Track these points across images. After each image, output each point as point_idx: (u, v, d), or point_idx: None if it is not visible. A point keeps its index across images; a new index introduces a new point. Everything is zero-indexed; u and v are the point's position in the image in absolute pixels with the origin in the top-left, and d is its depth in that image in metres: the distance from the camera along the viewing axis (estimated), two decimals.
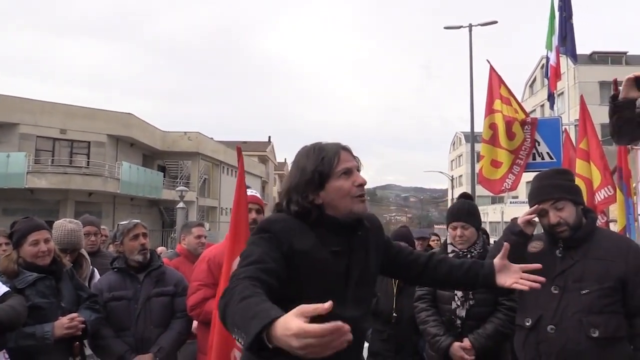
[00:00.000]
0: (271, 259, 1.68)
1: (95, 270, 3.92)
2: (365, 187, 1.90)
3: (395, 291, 3.61)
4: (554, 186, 2.53)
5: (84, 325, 3.01)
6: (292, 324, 1.20)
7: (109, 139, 26.30)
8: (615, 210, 4.98)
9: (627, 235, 4.49)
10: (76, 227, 3.82)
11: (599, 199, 4.97)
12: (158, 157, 32.35)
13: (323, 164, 1.85)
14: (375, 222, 2.05)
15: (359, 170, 1.91)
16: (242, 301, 1.41)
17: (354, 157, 1.93)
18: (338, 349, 1.21)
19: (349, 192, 1.84)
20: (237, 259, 2.80)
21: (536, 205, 2.55)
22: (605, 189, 4.94)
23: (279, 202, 1.93)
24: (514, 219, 2.68)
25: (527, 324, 2.49)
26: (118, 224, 3.59)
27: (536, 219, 2.59)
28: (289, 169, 2.00)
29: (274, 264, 1.67)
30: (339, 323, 1.19)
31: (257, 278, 1.56)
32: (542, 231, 2.66)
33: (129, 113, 27.28)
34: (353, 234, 1.89)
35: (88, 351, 3.31)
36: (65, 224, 3.78)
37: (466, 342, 3.09)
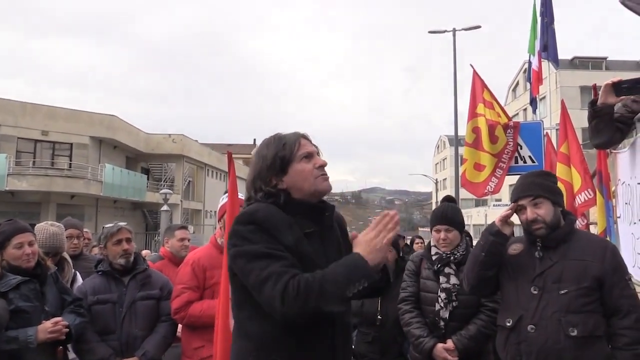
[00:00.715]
0: (279, 250, 1.77)
1: (78, 273, 3.88)
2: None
3: None
4: (535, 184, 2.61)
5: (67, 330, 2.98)
6: (358, 242, 1.76)
7: (91, 141, 26.02)
8: (595, 213, 5.05)
9: (608, 237, 4.56)
10: (58, 230, 3.78)
11: (580, 202, 5.04)
12: (142, 159, 32.06)
13: (284, 149, 1.92)
14: (337, 213, 2.10)
15: (319, 155, 1.98)
16: (322, 278, 1.66)
17: (313, 144, 2.00)
18: (395, 227, 1.72)
19: (311, 173, 1.92)
20: None
21: (513, 203, 2.61)
22: (586, 192, 5.01)
23: (248, 195, 1.97)
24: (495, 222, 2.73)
25: (508, 324, 2.53)
26: (103, 227, 3.57)
27: (514, 220, 2.64)
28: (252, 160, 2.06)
29: (285, 254, 1.77)
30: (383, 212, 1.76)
31: (295, 273, 1.70)
32: (523, 233, 2.71)
33: (112, 115, 27.01)
34: (322, 215, 1.95)
35: (72, 355, 3.28)
36: (47, 227, 3.73)
37: (449, 344, 3.13)
